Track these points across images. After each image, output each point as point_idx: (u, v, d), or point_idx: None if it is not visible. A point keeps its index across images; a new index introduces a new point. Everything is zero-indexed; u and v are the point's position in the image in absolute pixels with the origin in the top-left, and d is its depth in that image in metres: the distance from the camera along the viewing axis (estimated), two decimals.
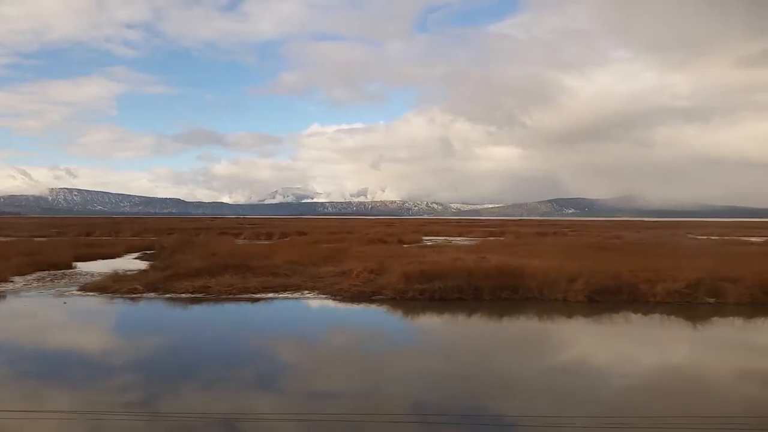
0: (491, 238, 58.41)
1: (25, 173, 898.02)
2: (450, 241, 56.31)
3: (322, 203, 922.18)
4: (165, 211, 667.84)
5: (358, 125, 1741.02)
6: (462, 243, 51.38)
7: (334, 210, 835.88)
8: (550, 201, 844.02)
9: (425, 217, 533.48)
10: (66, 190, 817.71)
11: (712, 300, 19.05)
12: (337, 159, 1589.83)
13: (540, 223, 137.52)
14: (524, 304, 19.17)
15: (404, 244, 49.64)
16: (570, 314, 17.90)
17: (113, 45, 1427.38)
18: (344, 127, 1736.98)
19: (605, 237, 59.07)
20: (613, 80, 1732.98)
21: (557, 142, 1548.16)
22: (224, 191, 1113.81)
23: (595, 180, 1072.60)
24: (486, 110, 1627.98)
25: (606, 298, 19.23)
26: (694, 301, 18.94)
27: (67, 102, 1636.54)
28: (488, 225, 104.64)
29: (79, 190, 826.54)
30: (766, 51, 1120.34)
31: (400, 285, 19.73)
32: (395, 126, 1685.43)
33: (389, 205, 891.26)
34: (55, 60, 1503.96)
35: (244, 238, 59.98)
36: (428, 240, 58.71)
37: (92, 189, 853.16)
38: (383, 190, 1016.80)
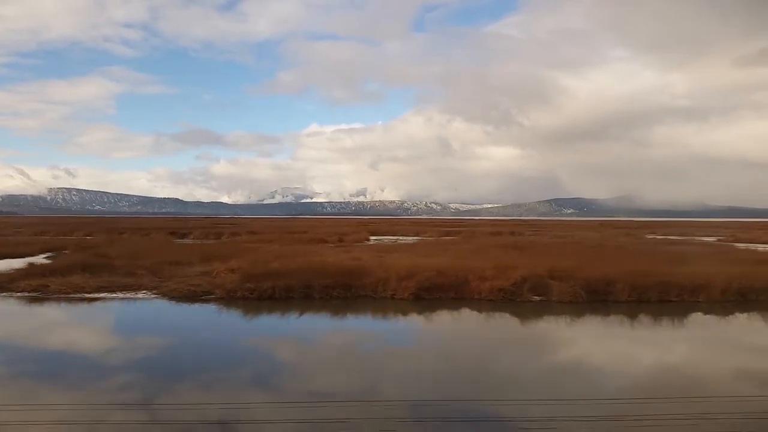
0: (433, 238, 58.52)
1: (23, 173, 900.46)
2: (396, 241, 56.31)
3: (321, 203, 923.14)
4: (163, 210, 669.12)
5: (356, 125, 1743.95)
6: (404, 242, 51.46)
7: (333, 210, 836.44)
8: (549, 201, 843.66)
9: (424, 216, 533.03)
10: (65, 190, 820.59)
11: (537, 298, 19.00)
12: (336, 159, 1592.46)
13: (518, 223, 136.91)
14: (354, 302, 19.12)
15: (344, 243, 49.69)
16: (383, 311, 17.86)
17: (111, 44, 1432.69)
18: (343, 126, 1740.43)
19: (550, 237, 58.98)
20: (611, 80, 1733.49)
21: (556, 142, 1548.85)
22: (223, 191, 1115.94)
23: (594, 180, 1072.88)
24: (485, 110, 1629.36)
25: (433, 295, 19.20)
26: (518, 298, 18.89)
27: (65, 101, 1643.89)
28: (454, 225, 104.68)
29: (78, 190, 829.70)
30: (764, 50, 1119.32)
31: (231, 285, 19.71)
32: (394, 126, 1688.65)
33: (388, 205, 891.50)
34: (53, 59, 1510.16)
35: (193, 238, 60.00)
36: (375, 239, 58.78)
37: (91, 189, 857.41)
38: (382, 190, 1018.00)
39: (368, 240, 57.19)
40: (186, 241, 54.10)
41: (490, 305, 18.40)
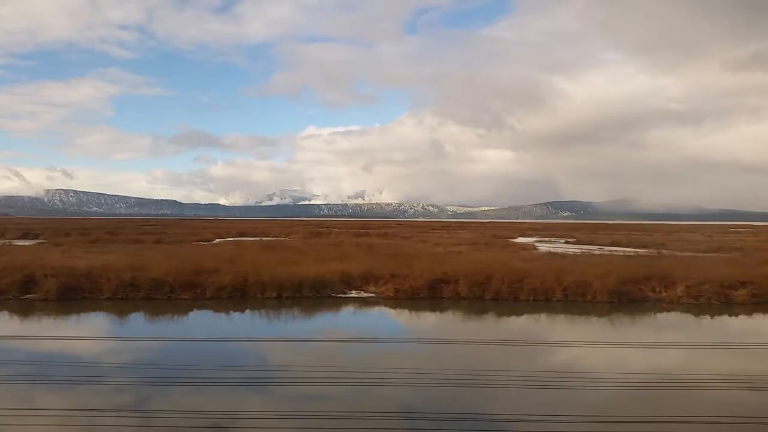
0: (284, 239, 58.81)
1: (18, 174, 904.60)
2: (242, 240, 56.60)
3: (318, 205, 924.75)
4: (160, 212, 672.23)
5: (353, 127, 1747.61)
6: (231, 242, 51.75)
7: (330, 212, 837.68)
8: (545, 204, 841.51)
9: (420, 219, 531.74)
10: (62, 191, 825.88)
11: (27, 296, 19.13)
12: (334, 161, 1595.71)
13: (431, 224, 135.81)
14: None
15: (159, 243, 50.12)
16: None
17: (107, 46, 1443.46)
18: (339, 129, 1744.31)
19: (399, 239, 58.83)
20: (605, 83, 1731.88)
21: (553, 145, 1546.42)
22: (221, 193, 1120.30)
23: (590, 183, 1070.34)
24: (481, 113, 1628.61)
25: None
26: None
27: (62, 103, 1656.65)
28: (341, 226, 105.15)
29: (75, 191, 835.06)
30: (755, 54, 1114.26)
31: None
32: (390, 128, 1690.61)
33: (385, 208, 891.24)
34: (49, 61, 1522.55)
35: (42, 238, 60.52)
36: (220, 240, 59.12)
37: (89, 190, 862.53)
38: (380, 192, 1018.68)
39: (211, 240, 57.50)
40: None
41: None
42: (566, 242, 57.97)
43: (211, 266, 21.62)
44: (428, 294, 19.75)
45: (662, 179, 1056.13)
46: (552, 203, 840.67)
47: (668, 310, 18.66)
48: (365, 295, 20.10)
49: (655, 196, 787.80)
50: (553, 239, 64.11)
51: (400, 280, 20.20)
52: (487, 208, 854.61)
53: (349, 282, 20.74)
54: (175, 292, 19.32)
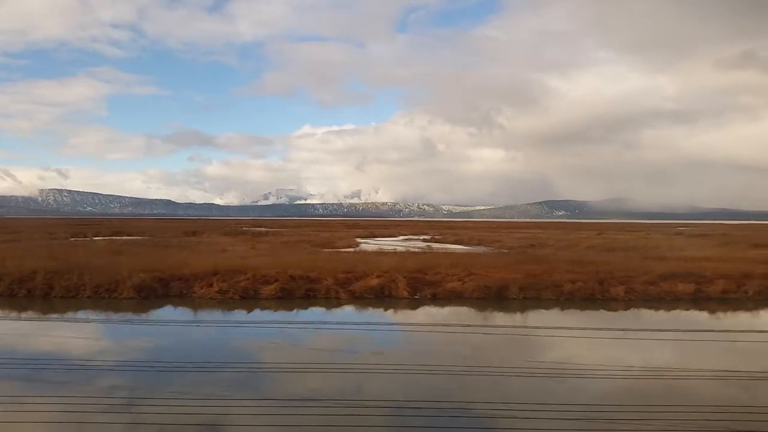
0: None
1: (9, 174, 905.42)
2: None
3: (313, 204, 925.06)
4: (154, 212, 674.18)
5: (348, 126, 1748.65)
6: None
7: (325, 212, 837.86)
8: (541, 203, 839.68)
9: (415, 218, 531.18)
10: (56, 191, 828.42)
11: None
12: (330, 160, 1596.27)
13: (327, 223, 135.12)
14: None
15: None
16: None
17: (100, 45, 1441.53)
18: (334, 128, 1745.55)
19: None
20: (598, 82, 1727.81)
21: (548, 145, 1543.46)
22: (217, 192, 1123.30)
23: (585, 182, 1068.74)
24: (475, 113, 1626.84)
25: None
26: None
27: (56, 103, 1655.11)
28: (258, 225, 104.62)
29: (69, 191, 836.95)
30: (746, 53, 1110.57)
31: None
32: (385, 127, 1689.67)
33: (380, 207, 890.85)
34: (42, 60, 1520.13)
35: None
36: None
37: (83, 190, 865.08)
38: (377, 192, 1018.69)
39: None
40: None
41: None
42: (423, 240, 57.88)
43: None
44: None
45: (657, 178, 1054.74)
46: (547, 202, 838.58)
47: (170, 303, 18.44)
48: None
49: (650, 196, 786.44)
50: (422, 237, 63.76)
51: None
52: (482, 208, 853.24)
53: None
54: None
